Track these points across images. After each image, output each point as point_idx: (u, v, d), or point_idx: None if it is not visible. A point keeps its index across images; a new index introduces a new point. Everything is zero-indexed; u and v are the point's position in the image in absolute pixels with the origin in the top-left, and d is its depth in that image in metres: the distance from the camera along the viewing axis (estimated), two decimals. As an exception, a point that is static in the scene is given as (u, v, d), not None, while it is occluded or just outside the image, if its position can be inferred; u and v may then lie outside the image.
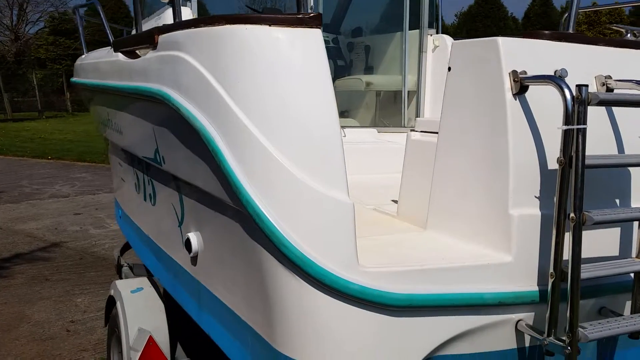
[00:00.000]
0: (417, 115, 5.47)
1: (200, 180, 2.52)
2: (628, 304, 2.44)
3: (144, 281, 4.68)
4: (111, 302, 4.73)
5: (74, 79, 5.75)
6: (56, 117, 38.81)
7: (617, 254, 2.36)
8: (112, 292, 4.68)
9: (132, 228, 4.59)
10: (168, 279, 3.58)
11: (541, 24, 49.20)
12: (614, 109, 2.36)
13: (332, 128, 2.03)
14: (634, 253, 2.29)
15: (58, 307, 7.13)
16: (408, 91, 5.54)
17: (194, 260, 2.98)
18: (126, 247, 7.02)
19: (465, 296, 2.09)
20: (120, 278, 5.74)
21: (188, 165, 2.61)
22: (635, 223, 2.33)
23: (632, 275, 2.34)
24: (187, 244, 2.93)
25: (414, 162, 3.02)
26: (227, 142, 2.12)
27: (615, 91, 2.30)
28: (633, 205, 2.38)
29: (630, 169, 2.38)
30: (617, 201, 2.37)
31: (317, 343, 2.06)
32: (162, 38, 2.71)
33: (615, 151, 2.35)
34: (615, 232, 2.36)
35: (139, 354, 4.12)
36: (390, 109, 5.77)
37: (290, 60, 2.06)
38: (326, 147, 2.02)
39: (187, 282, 3.14)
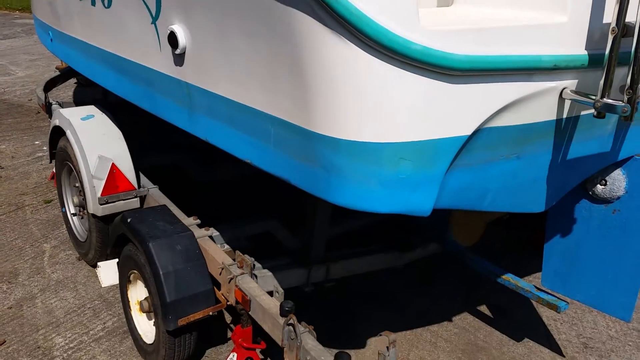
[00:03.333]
0: None
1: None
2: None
3: (92, 109, 4.24)
4: (57, 134, 4.28)
5: None
6: None
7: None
8: (57, 122, 4.21)
9: (74, 47, 4.00)
10: (139, 92, 3.18)
11: None
12: None
13: None
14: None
15: (-19, 154, 6.49)
16: None
17: (179, 58, 2.60)
18: (49, 85, 6.34)
19: (525, 58, 1.93)
20: (51, 117, 5.18)
21: None
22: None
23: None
24: (172, 38, 2.53)
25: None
26: None
27: None
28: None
29: None
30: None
31: (365, 116, 1.86)
32: None
33: None
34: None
35: (103, 182, 3.82)
36: None
37: None
38: None
39: (170, 87, 2.78)
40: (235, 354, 3.19)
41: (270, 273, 3.31)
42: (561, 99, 2.14)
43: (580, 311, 4.21)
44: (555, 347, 3.83)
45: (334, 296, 4.07)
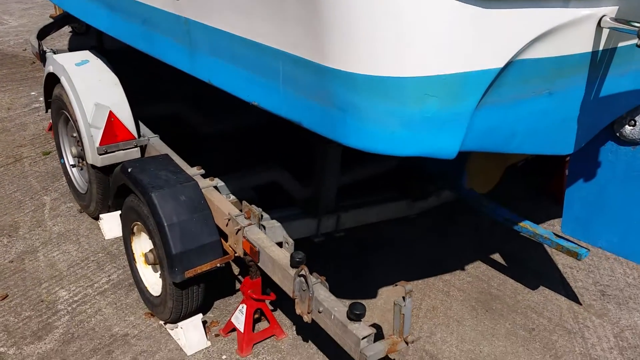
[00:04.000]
0: None
1: None
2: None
3: (87, 54, 4.03)
4: (52, 81, 4.09)
5: None
6: None
7: None
8: (51, 69, 4.01)
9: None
10: (135, 32, 2.97)
11: None
12: None
13: None
14: None
15: (-25, 106, 6.29)
16: None
17: (178, -9, 2.38)
18: (43, 33, 6.08)
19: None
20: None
21: None
22: None
23: None
24: (168, -32, 2.31)
25: None
26: None
27: None
28: None
29: None
30: None
31: (385, 46, 1.67)
32: None
33: None
34: None
35: (101, 131, 3.65)
36: None
37: None
38: None
39: (168, 25, 2.57)
40: (245, 306, 3.10)
41: (278, 224, 3.18)
42: (599, 28, 1.94)
43: (597, 258, 4.10)
44: (571, 295, 3.73)
45: (344, 246, 3.96)
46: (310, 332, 3.24)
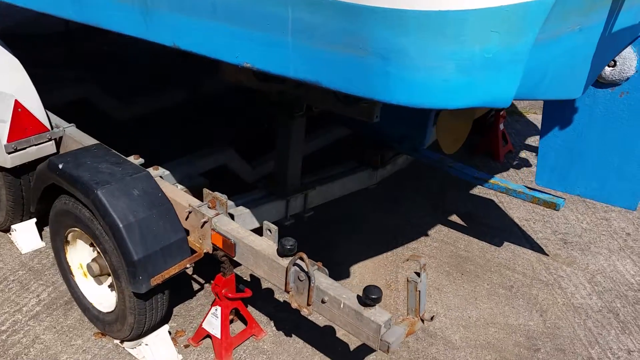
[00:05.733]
0: None
1: None
2: None
3: (-27, 34, 3.30)
4: None
5: None
6: None
7: None
8: None
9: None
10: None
11: None
12: None
13: None
14: None
15: None
16: None
17: None
18: None
19: None
20: None
21: None
22: None
23: None
24: None
25: None
26: None
27: None
28: None
29: None
30: None
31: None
32: None
33: None
34: None
35: (8, 124, 3.03)
36: None
37: None
38: None
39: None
40: (219, 307, 2.70)
41: (247, 210, 2.80)
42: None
43: (549, 208, 4.13)
44: (536, 247, 3.71)
45: (299, 227, 3.63)
46: (290, 324, 2.92)
